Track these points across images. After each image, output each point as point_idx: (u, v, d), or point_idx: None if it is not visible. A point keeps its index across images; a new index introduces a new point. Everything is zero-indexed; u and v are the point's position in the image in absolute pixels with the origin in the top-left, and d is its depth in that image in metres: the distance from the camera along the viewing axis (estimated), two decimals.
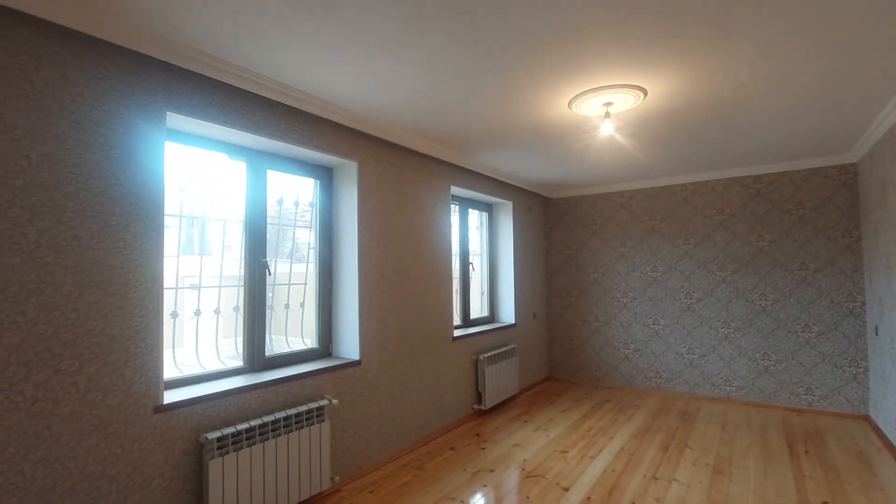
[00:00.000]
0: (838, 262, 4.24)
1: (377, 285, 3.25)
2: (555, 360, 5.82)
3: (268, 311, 2.89)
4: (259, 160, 2.77)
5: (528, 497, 2.73)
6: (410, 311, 3.55)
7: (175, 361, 2.44)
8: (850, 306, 4.18)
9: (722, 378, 4.74)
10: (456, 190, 4.34)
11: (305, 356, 3.01)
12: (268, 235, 3.02)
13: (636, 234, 5.28)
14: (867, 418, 4.05)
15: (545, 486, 2.87)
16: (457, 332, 4.20)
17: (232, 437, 2.22)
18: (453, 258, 4.44)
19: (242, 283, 2.71)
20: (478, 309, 5.05)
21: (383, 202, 3.34)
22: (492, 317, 5.15)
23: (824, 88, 2.66)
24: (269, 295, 2.93)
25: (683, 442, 3.57)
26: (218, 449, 2.16)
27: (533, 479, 2.96)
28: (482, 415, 4.31)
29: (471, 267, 4.72)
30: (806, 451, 3.35)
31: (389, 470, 3.13)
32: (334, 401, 2.75)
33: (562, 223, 5.82)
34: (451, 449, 3.49)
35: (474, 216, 5.09)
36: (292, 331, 3.17)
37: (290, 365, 2.87)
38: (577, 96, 2.63)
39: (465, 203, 4.73)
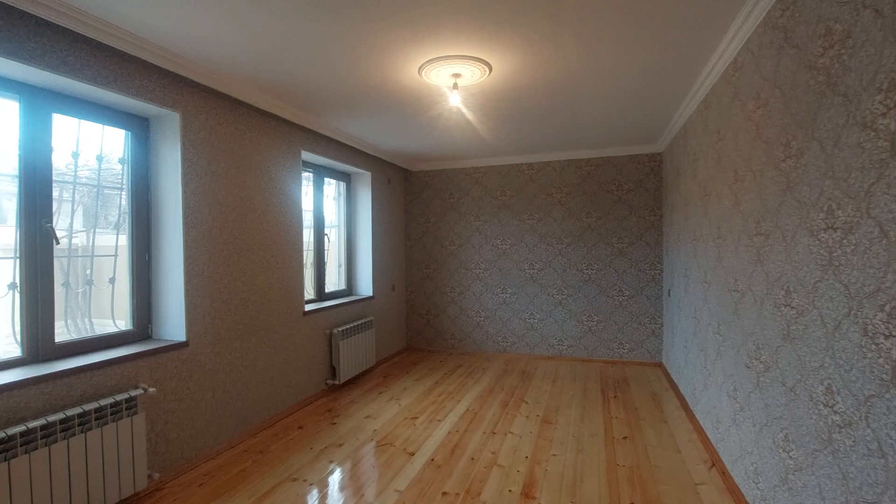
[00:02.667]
0: (646, 236, 5.02)
1: (210, 258, 2.89)
2: (413, 331, 5.95)
3: (62, 289, 2.37)
4: (40, 100, 2.20)
5: (373, 466, 2.75)
6: (253, 286, 3.25)
7: None
8: (653, 273, 5.01)
9: (556, 338, 5.34)
10: (309, 156, 4.05)
11: (115, 340, 2.55)
12: (62, 197, 2.46)
13: (489, 209, 5.58)
14: (660, 365, 4.95)
15: (392, 453, 2.92)
16: (309, 307, 4.00)
17: None
18: (306, 229, 4.18)
19: (19, 255, 2.17)
20: (335, 282, 4.88)
21: (218, 163, 2.95)
22: (349, 290, 5.02)
23: (639, 83, 3.04)
24: (66, 269, 2.40)
25: (520, 398, 3.95)
26: None
27: (381, 449, 2.99)
28: (336, 390, 4.22)
29: (326, 239, 4.51)
30: (615, 396, 3.96)
31: (227, 458, 2.87)
32: (151, 389, 2.40)
33: (421, 196, 5.88)
34: (300, 428, 3.34)
35: (331, 186, 4.84)
36: (99, 312, 2.67)
37: (95, 351, 2.41)
38: (426, 63, 2.59)
39: (321, 171, 4.46)
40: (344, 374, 4.20)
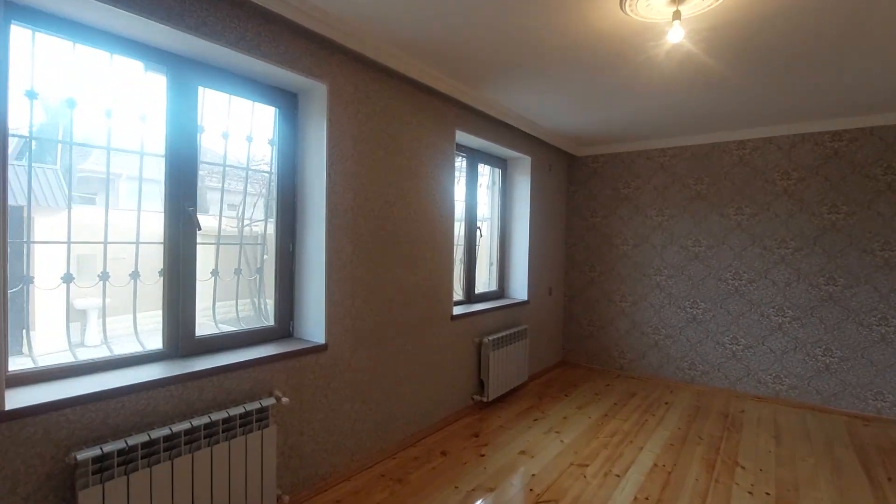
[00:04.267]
0: None
1: (353, 250, 2.53)
2: (570, 343, 5.12)
3: (212, 278, 2.21)
4: (187, 71, 2.01)
5: None
6: (398, 284, 2.84)
7: (64, 344, 1.77)
8: None
9: (770, 374, 3.99)
10: (463, 137, 3.54)
11: (257, 337, 2.33)
12: (206, 180, 2.30)
13: (677, 201, 4.44)
14: None
15: None
16: (457, 310, 3.50)
17: (119, 454, 1.56)
18: (457, 222, 3.69)
19: (163, 241, 2.01)
20: (485, 282, 4.33)
21: (365, 143, 2.58)
22: (501, 292, 4.43)
23: None
24: (215, 256, 2.24)
25: (732, 458, 2.87)
26: (95, 474, 1.51)
27: None
28: (483, 408, 3.66)
29: (478, 233, 3.97)
30: (889, 479, 2.62)
31: (361, 482, 2.49)
32: (284, 399, 2.09)
33: (587, 185, 4.99)
34: (443, 454, 2.84)
35: (485, 173, 4.29)
36: (245, 304, 2.50)
37: (234, 349, 2.20)
38: None
39: (475, 156, 3.93)
40: (493, 391, 3.62)
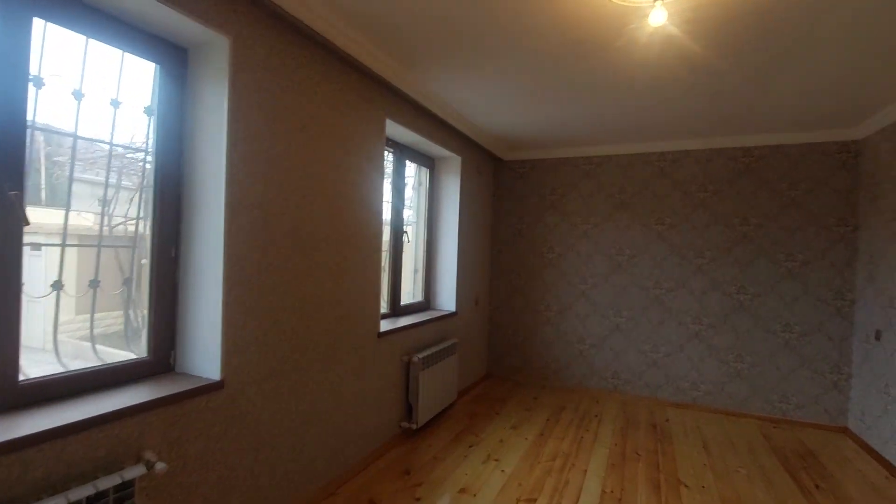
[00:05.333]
0: (830, 254, 3.69)
1: (262, 256, 1.98)
2: (496, 355, 4.90)
3: (52, 293, 1.54)
4: None
5: None
6: (319, 297, 2.32)
7: None
8: (838, 305, 3.66)
9: (688, 381, 4.10)
10: (392, 129, 3.12)
11: (121, 375, 1.69)
12: (53, 158, 1.63)
13: (602, 210, 4.43)
14: (846, 430, 3.60)
15: None
16: (384, 326, 3.05)
17: None
18: (384, 225, 3.25)
19: None
20: (409, 292, 3.93)
21: (281, 122, 2.05)
22: (427, 303, 4.05)
23: None
24: (59, 263, 1.57)
25: (673, 475, 2.78)
26: None
27: None
28: (413, 436, 3.24)
29: (405, 237, 3.56)
30: (817, 487, 2.70)
31: None
32: (159, 464, 1.49)
33: (514, 191, 4.82)
34: (370, 503, 2.37)
35: (411, 171, 3.90)
36: (111, 326, 1.83)
37: (85, 395, 1.54)
38: None
39: (403, 151, 3.52)
40: (423, 415, 3.21)
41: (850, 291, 3.63)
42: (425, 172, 4.02)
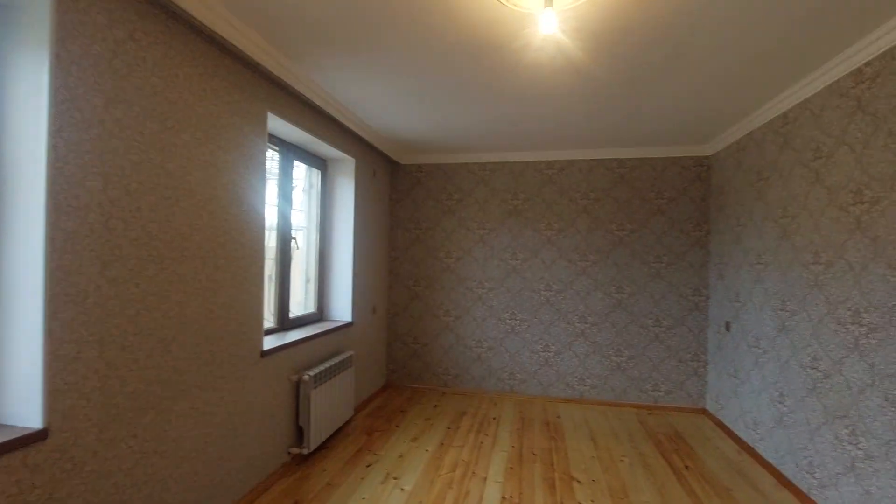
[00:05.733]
0: (689, 255, 4.16)
1: (102, 269, 1.61)
2: (395, 364, 4.75)
3: None
4: None
5: None
6: (184, 316, 1.98)
7: None
8: (696, 301, 4.15)
9: (576, 377, 4.35)
10: (277, 125, 2.83)
11: None
12: None
13: (497, 215, 4.53)
14: (705, 411, 4.08)
15: None
16: (269, 342, 2.74)
17: None
18: (269, 230, 2.93)
19: None
20: (300, 303, 3.62)
21: (127, 106, 1.69)
22: (320, 314, 3.77)
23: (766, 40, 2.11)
24: None
25: (566, 473, 2.88)
26: None
27: None
28: (304, 462, 2.95)
29: (294, 244, 3.26)
30: (686, 467, 2.98)
31: None
32: None
33: (411, 195, 4.74)
34: None
35: (300, 173, 3.60)
36: None
37: None
38: None
39: (290, 151, 3.23)
40: (315, 438, 2.95)
41: (705, 288, 4.13)
42: (317, 174, 3.75)
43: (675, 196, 4.19)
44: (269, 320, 3.06)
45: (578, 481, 2.76)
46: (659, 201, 4.22)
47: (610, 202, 4.30)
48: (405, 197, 4.74)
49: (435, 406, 4.11)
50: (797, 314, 2.70)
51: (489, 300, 4.53)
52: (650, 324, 4.22)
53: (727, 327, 3.67)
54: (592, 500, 2.54)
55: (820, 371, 2.47)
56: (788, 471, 2.74)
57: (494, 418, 3.83)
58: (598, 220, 4.32)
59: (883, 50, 2.07)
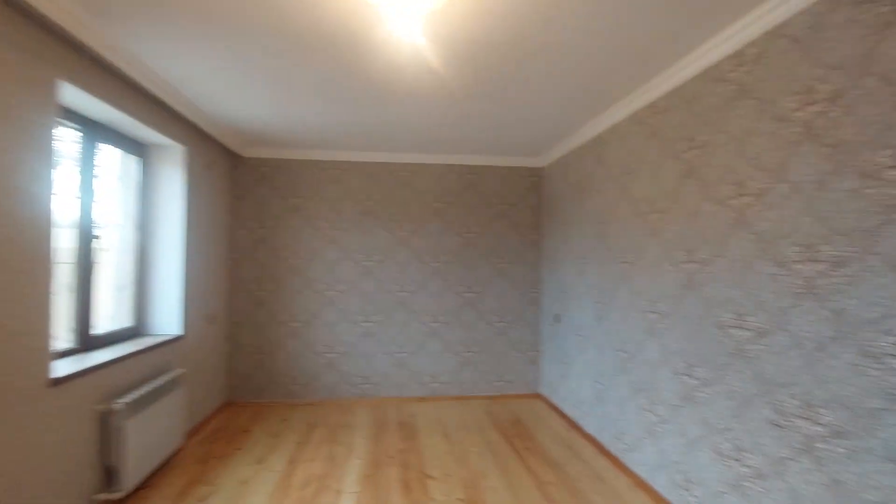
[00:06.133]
0: (526, 255, 4.61)
1: None
2: (238, 379, 4.28)
3: None
4: None
5: None
6: None
7: None
8: (532, 296, 4.62)
9: (429, 375, 4.48)
10: (77, 98, 2.29)
11: None
12: None
13: (350, 216, 4.41)
14: (539, 396, 4.56)
15: None
16: (64, 367, 2.20)
17: None
18: (63, 228, 2.36)
19: None
20: (111, 316, 3.01)
21: None
22: (138, 328, 3.19)
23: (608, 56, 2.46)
24: None
25: (421, 471, 2.92)
26: None
27: None
28: None
29: (97, 244, 2.69)
30: (526, 448, 3.29)
31: None
32: None
33: (256, 192, 4.32)
34: None
35: (113, 159, 2.99)
36: None
37: None
38: None
39: (96, 131, 2.65)
40: (133, 476, 2.47)
41: (539, 284, 4.62)
42: (136, 162, 3.15)
43: (515, 202, 4.61)
44: (64, 339, 2.46)
45: (433, 478, 2.82)
46: (502, 206, 4.59)
47: (460, 206, 4.53)
48: (248, 193, 4.31)
49: (284, 420, 3.81)
50: (610, 305, 3.19)
51: (341, 303, 4.38)
52: (495, 319, 4.56)
53: (558, 319, 4.16)
54: (447, 495, 2.62)
55: (627, 353, 2.95)
56: (606, 440, 3.21)
57: (349, 426, 3.71)
58: (449, 222, 4.51)
59: (673, 87, 2.55)
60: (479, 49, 2.24)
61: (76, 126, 2.49)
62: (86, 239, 2.56)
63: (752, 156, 1.99)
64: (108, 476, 2.42)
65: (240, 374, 4.27)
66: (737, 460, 2.04)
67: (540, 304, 4.62)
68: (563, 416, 3.93)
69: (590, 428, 3.45)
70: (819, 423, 1.65)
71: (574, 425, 3.69)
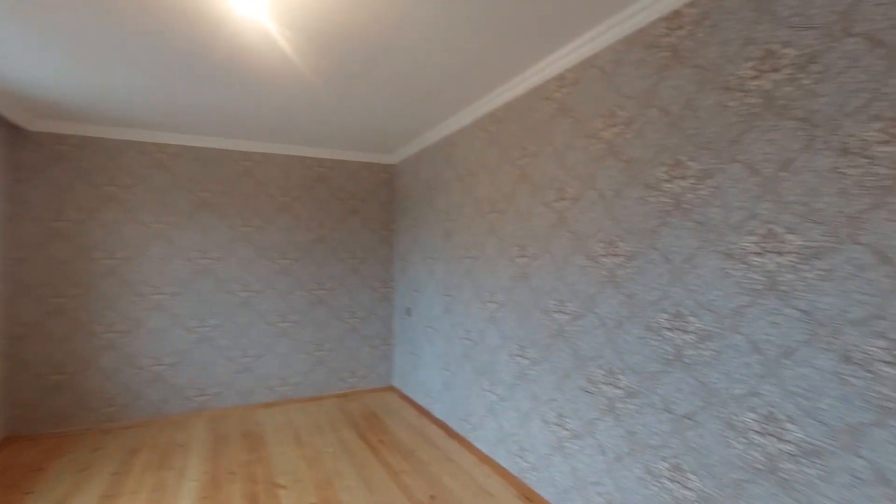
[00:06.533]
0: (378, 252, 4.66)
1: None
2: (23, 407, 3.45)
3: None
4: None
5: None
6: None
7: None
8: (385, 292, 4.69)
9: (278, 379, 4.22)
10: None
11: None
12: None
13: (182, 208, 3.89)
14: (392, 388, 4.66)
15: None
16: None
17: None
18: None
19: None
20: None
21: None
22: None
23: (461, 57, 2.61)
24: None
25: (270, 481, 2.76)
26: None
27: None
28: None
29: None
30: (381, 441, 3.34)
31: None
32: None
33: (48, 175, 3.53)
34: None
35: None
36: None
37: None
38: None
39: None
40: None
41: (392, 280, 4.71)
42: None
43: (367, 198, 4.60)
44: None
45: (284, 486, 2.69)
46: (354, 202, 4.55)
47: (310, 200, 4.35)
48: (37, 176, 3.49)
49: (95, 450, 3.21)
50: (456, 297, 3.42)
51: (172, 307, 3.85)
52: (347, 316, 4.51)
53: (409, 313, 4.30)
54: (298, 501, 2.52)
55: (471, 340, 3.21)
56: (454, 423, 3.44)
57: (181, 445, 3.30)
58: (298, 217, 4.30)
59: (510, 100, 2.84)
60: (333, 40, 2.18)
61: None
62: None
63: (570, 166, 2.34)
64: None
65: (26, 401, 3.46)
66: (559, 425, 2.38)
67: (392, 300, 4.71)
68: (414, 405, 4.09)
69: (439, 413, 3.66)
70: (618, 387, 2.03)
71: (425, 413, 3.87)
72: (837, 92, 1.33)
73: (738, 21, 1.59)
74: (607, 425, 2.09)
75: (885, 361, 1.23)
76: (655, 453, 1.86)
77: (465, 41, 2.21)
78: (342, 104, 3.10)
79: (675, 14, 1.82)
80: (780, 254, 1.45)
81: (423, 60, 2.41)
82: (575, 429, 2.28)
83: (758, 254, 1.51)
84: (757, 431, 1.50)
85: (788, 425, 1.42)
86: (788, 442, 1.42)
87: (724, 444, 1.60)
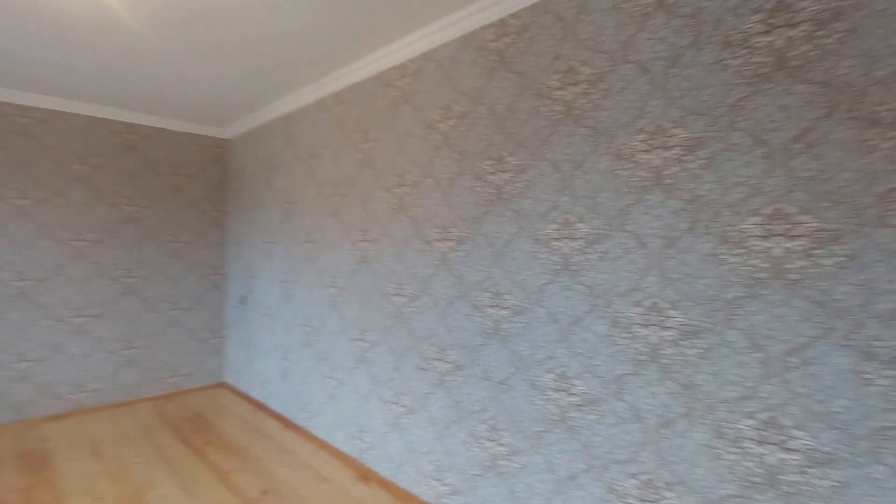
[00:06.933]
0: (208, 235, 4.19)
1: None
2: None
3: None
4: None
5: None
6: None
7: None
8: (216, 279, 4.25)
9: (72, 385, 3.52)
10: None
11: None
12: None
13: None
14: (224, 384, 4.27)
15: None
16: None
17: None
18: None
19: None
20: None
21: None
22: None
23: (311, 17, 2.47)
24: None
25: None
26: None
27: None
28: None
29: None
30: (207, 442, 3.04)
31: None
32: None
33: None
34: None
35: None
36: None
37: None
38: None
39: None
40: None
41: (223, 267, 4.29)
42: None
43: (193, 174, 4.09)
44: None
45: None
46: (176, 178, 4.00)
47: (116, 172, 3.69)
48: None
49: None
50: (296, 284, 3.28)
51: None
52: (167, 307, 3.97)
53: (244, 301, 3.98)
54: None
55: (311, 327, 3.12)
56: (292, 414, 3.31)
57: None
58: (100, 191, 3.61)
59: (354, 82, 2.80)
60: None
61: None
62: None
63: (409, 153, 2.43)
64: None
65: None
66: (395, 403, 2.48)
67: (224, 288, 4.30)
68: (249, 400, 3.82)
69: (276, 406, 3.49)
70: (448, 362, 2.20)
71: (261, 406, 3.65)
72: (615, 107, 1.64)
73: (550, 37, 1.84)
74: (438, 398, 2.25)
75: (639, 324, 1.56)
76: (477, 417, 2.07)
77: (310, 13, 2.11)
78: (164, 60, 2.68)
79: (502, 22, 2.01)
80: (572, 239, 1.73)
81: (268, 28, 2.23)
82: (410, 404, 2.40)
83: (557, 239, 1.78)
84: (553, 388, 1.79)
85: (575, 381, 1.72)
86: (575, 395, 1.72)
87: (528, 402, 1.87)
